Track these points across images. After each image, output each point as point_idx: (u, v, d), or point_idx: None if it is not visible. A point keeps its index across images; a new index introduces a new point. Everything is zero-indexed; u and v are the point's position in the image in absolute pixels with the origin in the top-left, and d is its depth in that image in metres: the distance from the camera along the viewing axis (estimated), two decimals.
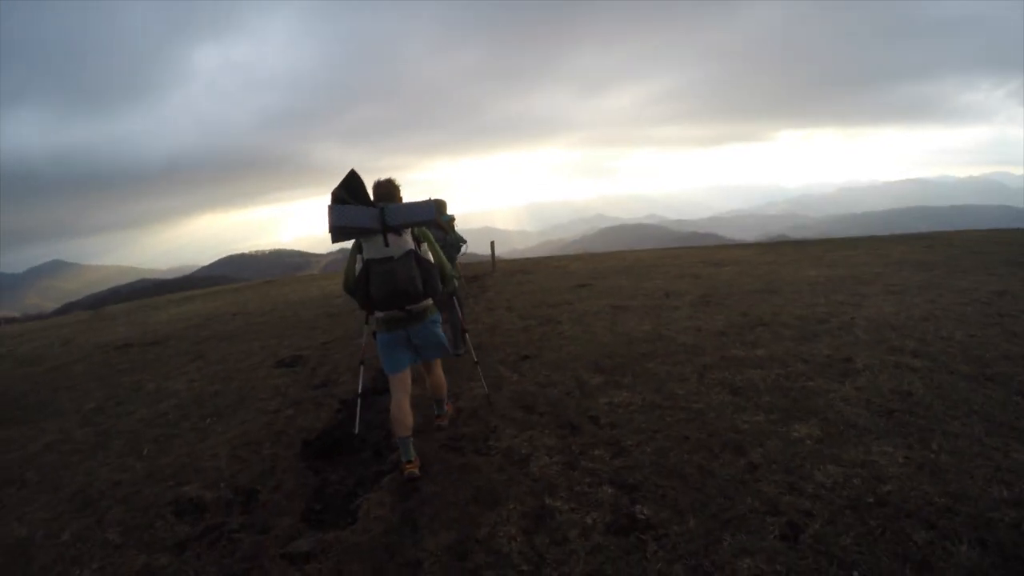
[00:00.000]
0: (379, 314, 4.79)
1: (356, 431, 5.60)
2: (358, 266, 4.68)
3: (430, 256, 4.77)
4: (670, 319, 9.08)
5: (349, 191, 4.51)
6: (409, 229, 4.58)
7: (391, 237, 4.48)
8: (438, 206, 7.64)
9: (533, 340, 8.65)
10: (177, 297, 24.24)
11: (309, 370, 8.53)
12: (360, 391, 5.77)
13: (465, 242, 8.46)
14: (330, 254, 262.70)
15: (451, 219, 8.27)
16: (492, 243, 18.76)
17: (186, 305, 20.72)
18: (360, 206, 4.44)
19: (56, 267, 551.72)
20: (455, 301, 7.68)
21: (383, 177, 4.89)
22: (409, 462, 4.64)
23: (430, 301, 4.83)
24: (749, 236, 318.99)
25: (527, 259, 23.91)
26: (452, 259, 8.06)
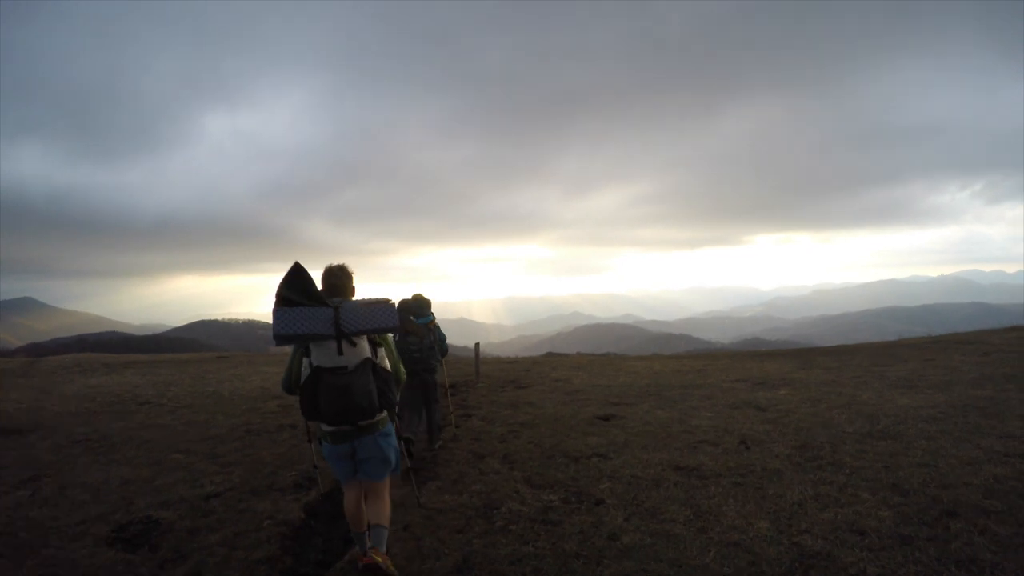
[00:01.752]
0: (325, 427, 4.28)
1: None
2: (305, 371, 4.15)
3: (387, 364, 4.36)
4: (789, 501, 5.64)
5: (296, 289, 3.94)
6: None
7: (345, 345, 4.01)
8: (421, 305, 8.17)
9: (567, 555, 4.83)
10: (114, 362, 21.16)
11: (155, 564, 5.01)
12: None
13: (445, 348, 8.57)
14: None
15: (431, 320, 8.27)
16: (477, 346, 15.26)
17: (113, 375, 17.52)
18: (310, 307, 3.92)
19: (27, 304, 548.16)
20: (430, 392, 8.27)
21: (335, 263, 4.40)
22: (364, 555, 4.35)
23: (384, 413, 4.35)
24: (725, 338, 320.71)
25: (514, 361, 20.46)
26: (431, 366, 8.28)
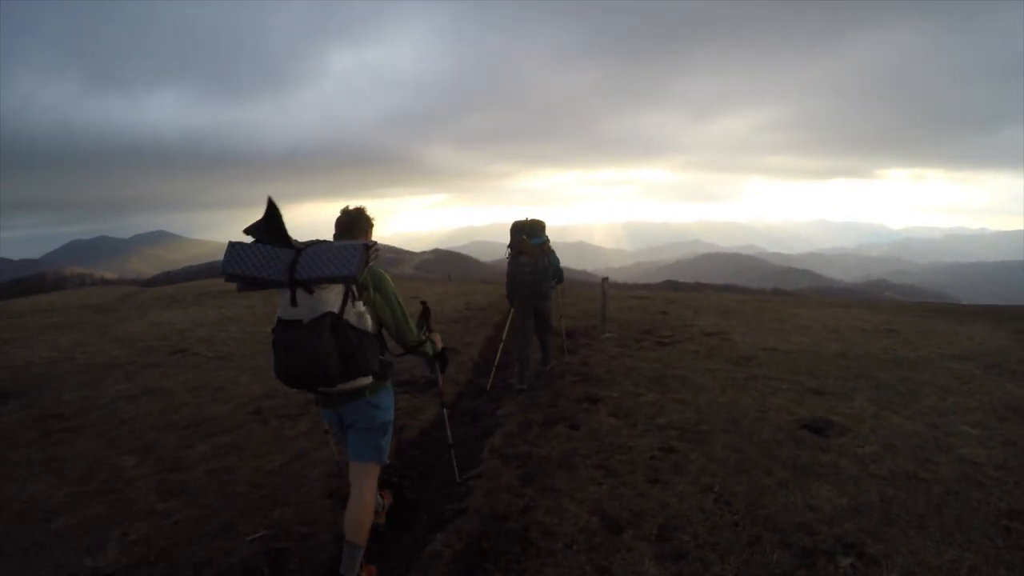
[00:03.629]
0: None
1: None
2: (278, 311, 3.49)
3: (367, 320, 3.48)
4: None
5: (263, 226, 3.32)
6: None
7: (301, 294, 3.30)
8: (535, 227, 7.90)
9: None
10: (215, 289, 20.72)
11: None
12: None
13: (559, 274, 8.10)
14: (423, 253, 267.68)
15: (545, 241, 7.89)
16: (604, 283, 11.61)
17: (192, 308, 17.09)
18: (267, 247, 3.29)
19: (160, 237, 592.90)
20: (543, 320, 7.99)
21: (352, 205, 3.86)
22: None
23: (366, 380, 3.56)
24: (848, 277, 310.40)
25: (644, 298, 17.22)
26: (544, 290, 7.81)
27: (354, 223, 3.82)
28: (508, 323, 8.98)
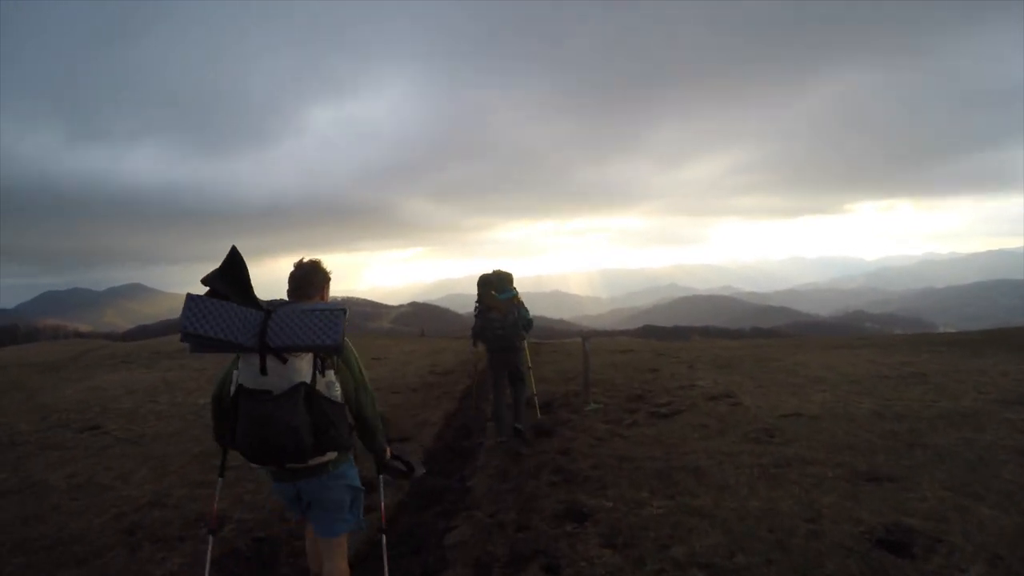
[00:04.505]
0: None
1: None
2: (233, 385, 3.18)
3: (336, 390, 3.25)
4: None
5: (228, 280, 3.03)
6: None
7: (272, 362, 3.02)
8: (503, 279, 7.86)
9: None
10: (170, 349, 19.51)
11: None
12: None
13: (529, 326, 7.88)
14: (400, 306, 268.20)
15: (514, 296, 7.77)
16: (585, 344, 9.76)
17: (138, 371, 15.78)
18: (231, 305, 3.01)
19: (135, 290, 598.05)
20: (514, 372, 7.80)
21: (307, 259, 3.59)
22: None
23: (332, 455, 3.31)
24: (825, 311, 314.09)
25: (628, 352, 15.57)
26: (515, 344, 7.70)
27: (309, 279, 3.54)
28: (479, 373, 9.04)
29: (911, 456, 5.89)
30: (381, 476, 3.97)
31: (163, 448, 8.21)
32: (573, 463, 6.45)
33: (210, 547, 3.72)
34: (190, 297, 3.00)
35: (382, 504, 4.06)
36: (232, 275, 3.05)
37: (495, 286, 7.80)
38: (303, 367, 3.10)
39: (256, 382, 3.06)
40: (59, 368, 16.92)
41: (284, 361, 3.03)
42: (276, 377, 3.05)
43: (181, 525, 5.55)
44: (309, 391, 3.11)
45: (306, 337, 2.98)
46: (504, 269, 8.03)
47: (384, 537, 4.03)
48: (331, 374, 3.25)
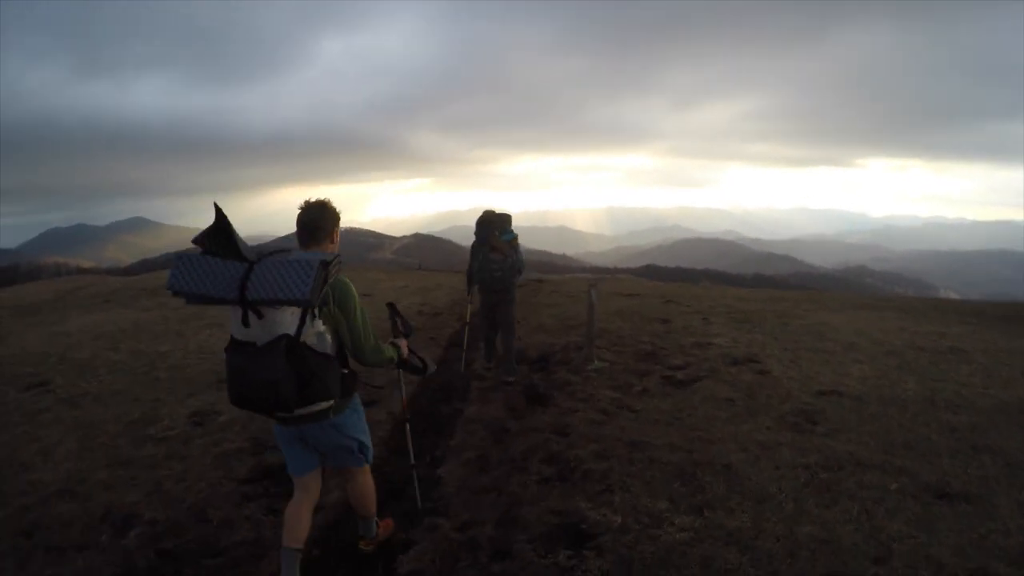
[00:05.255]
0: None
1: None
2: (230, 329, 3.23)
3: (327, 341, 3.24)
4: None
5: (215, 236, 3.05)
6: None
7: (253, 315, 3.04)
8: (502, 222, 7.73)
9: None
10: (160, 283, 17.68)
11: None
12: None
13: (522, 269, 7.75)
14: (403, 237, 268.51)
15: (514, 238, 7.70)
16: (590, 294, 8.37)
17: (121, 309, 14.89)
18: (216, 260, 3.03)
19: (138, 223, 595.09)
20: (505, 314, 7.71)
21: (314, 199, 3.49)
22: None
23: (328, 403, 3.30)
24: (829, 263, 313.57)
25: (635, 296, 14.59)
26: (510, 286, 7.68)
27: (317, 223, 3.45)
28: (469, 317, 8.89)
29: (979, 464, 4.82)
30: (399, 370, 4.08)
31: (100, 412, 7.05)
32: (571, 448, 5.21)
33: None
34: (177, 256, 3.06)
35: (403, 396, 4.60)
36: (219, 232, 3.04)
37: (497, 227, 7.64)
38: (286, 318, 3.08)
39: (240, 333, 3.11)
40: (37, 310, 15.85)
41: (260, 315, 3.03)
42: (258, 329, 3.06)
43: (83, 527, 4.38)
44: (291, 343, 3.07)
45: (278, 291, 2.94)
46: (497, 210, 7.95)
47: (408, 425, 4.54)
48: (319, 324, 3.20)
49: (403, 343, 3.89)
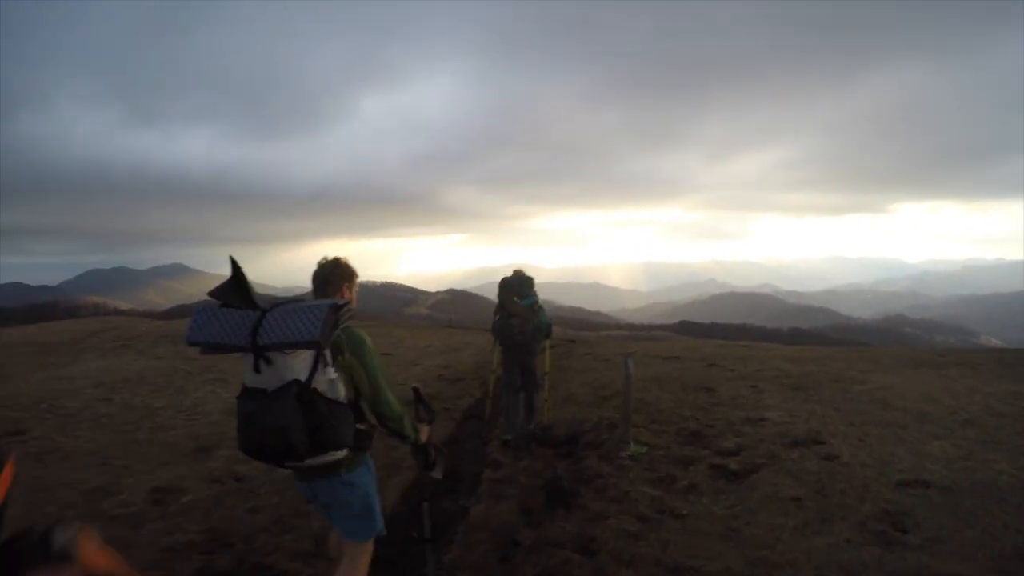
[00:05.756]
0: None
1: None
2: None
3: (340, 389, 3.16)
4: None
5: (231, 287, 3.14)
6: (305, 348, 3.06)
7: (263, 361, 3.04)
8: (524, 284, 7.64)
9: None
10: (182, 331, 17.08)
11: None
12: None
13: (548, 332, 7.94)
14: (438, 292, 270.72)
15: (535, 302, 7.66)
16: (627, 365, 7.06)
17: (127, 357, 14.46)
18: (235, 311, 3.11)
19: (178, 270, 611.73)
20: (528, 376, 7.65)
21: (330, 256, 3.71)
22: None
23: (340, 453, 3.19)
24: (866, 313, 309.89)
25: (670, 359, 13.52)
26: (533, 349, 7.75)
27: (326, 277, 3.62)
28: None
29: None
30: (421, 455, 3.82)
31: (63, 474, 6.35)
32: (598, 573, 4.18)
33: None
34: (195, 310, 3.16)
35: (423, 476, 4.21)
36: (234, 284, 3.11)
37: (516, 291, 7.56)
38: (296, 364, 3.05)
39: (252, 380, 3.11)
40: (52, 350, 15.50)
41: (268, 361, 3.03)
42: (269, 375, 3.06)
43: None
44: (302, 389, 3.04)
45: (288, 334, 2.98)
46: (525, 272, 7.81)
47: (426, 505, 4.13)
48: (331, 371, 3.15)
49: (425, 429, 3.74)
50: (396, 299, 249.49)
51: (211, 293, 3.16)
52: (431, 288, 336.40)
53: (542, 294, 8.04)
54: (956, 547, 4.34)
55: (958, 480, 5.50)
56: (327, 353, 3.14)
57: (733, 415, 8.07)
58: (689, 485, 5.66)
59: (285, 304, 3.13)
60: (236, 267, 3.10)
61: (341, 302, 3.18)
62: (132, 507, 5.48)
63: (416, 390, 3.89)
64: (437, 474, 3.89)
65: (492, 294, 8.20)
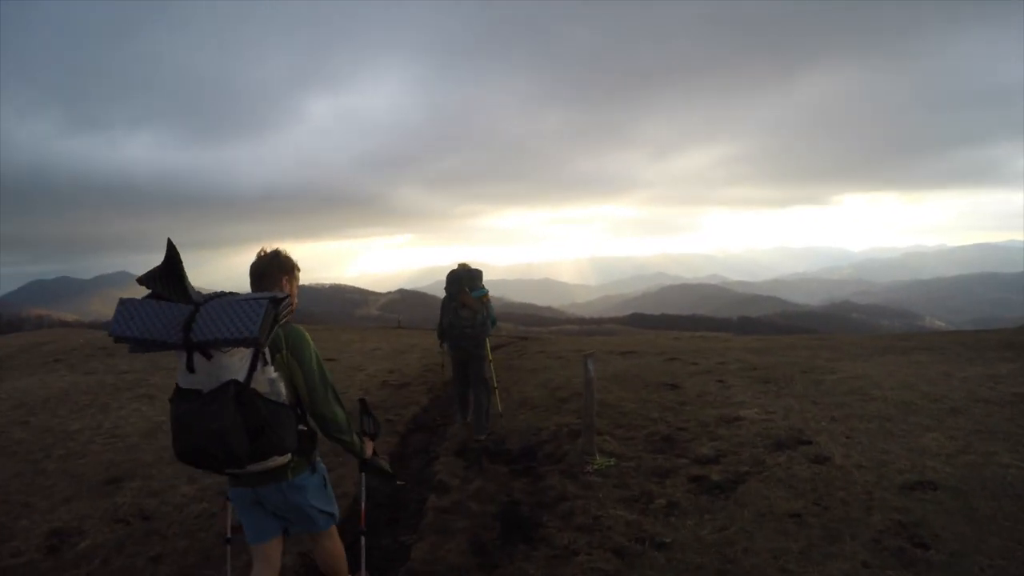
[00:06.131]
0: None
1: None
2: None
3: (280, 388, 2.97)
4: None
5: (163, 276, 2.87)
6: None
7: (199, 359, 2.82)
8: (472, 278, 7.50)
9: None
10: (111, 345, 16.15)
11: None
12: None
13: (495, 324, 7.74)
14: (389, 293, 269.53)
15: (484, 294, 7.49)
16: (586, 362, 6.48)
17: (53, 374, 13.23)
18: (165, 303, 2.84)
19: (123, 278, 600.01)
20: (475, 369, 7.49)
21: (269, 248, 3.36)
22: None
23: (283, 458, 3.03)
24: (813, 301, 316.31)
25: (628, 354, 12.94)
26: (481, 342, 7.51)
27: (264, 271, 3.27)
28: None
29: None
30: (363, 474, 3.67)
31: None
32: None
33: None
34: (120, 301, 2.85)
35: (363, 505, 3.84)
36: (169, 272, 2.85)
37: (467, 283, 7.44)
38: (234, 363, 2.84)
39: (185, 380, 2.89)
40: None
41: (208, 357, 2.82)
42: (204, 375, 2.85)
43: None
44: (240, 389, 2.83)
45: (225, 330, 2.71)
46: (471, 264, 7.69)
47: (363, 539, 3.77)
48: (270, 370, 2.95)
49: (369, 444, 3.53)
50: (346, 301, 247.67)
51: (140, 280, 2.87)
52: (381, 289, 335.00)
53: (493, 291, 7.72)
54: (984, 561, 3.70)
55: (965, 479, 4.89)
56: (266, 351, 2.93)
57: (704, 415, 7.36)
58: (669, 504, 4.86)
59: (220, 297, 2.87)
60: (172, 251, 2.80)
61: (280, 295, 2.90)
62: (22, 557, 4.63)
63: (363, 401, 3.66)
64: (385, 466, 3.67)
65: (442, 292, 7.69)
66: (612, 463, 5.89)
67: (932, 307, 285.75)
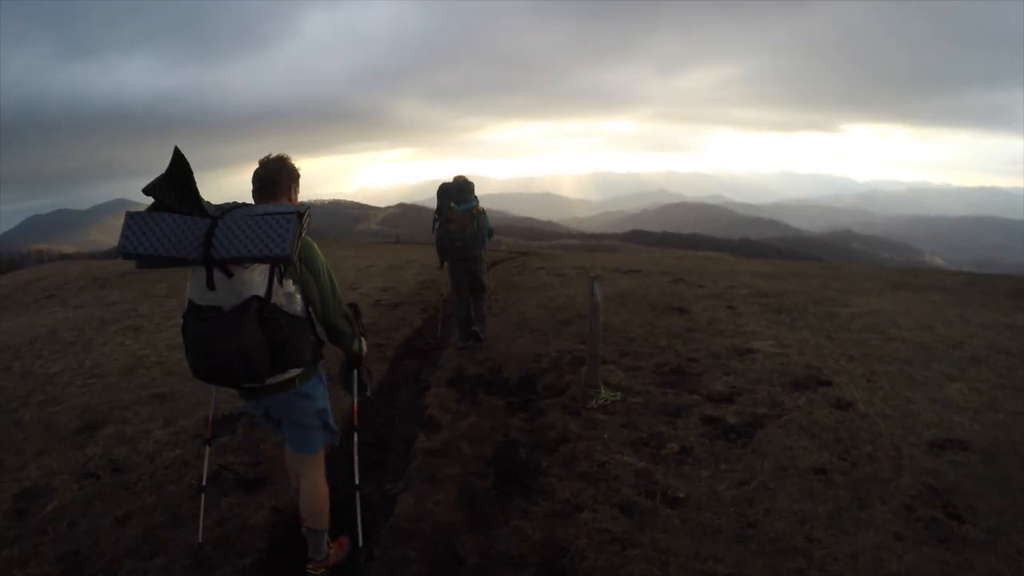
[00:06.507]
0: None
1: None
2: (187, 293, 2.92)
3: (297, 302, 2.95)
4: None
5: (171, 187, 2.72)
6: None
7: (219, 275, 2.72)
8: (462, 189, 7.31)
9: None
10: (114, 272, 17.03)
11: None
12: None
13: (491, 236, 7.64)
14: (388, 208, 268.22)
15: (475, 206, 7.33)
16: (592, 284, 5.92)
17: (44, 311, 12.62)
18: (173, 216, 2.70)
19: (121, 205, 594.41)
20: (473, 282, 7.49)
21: (273, 155, 3.18)
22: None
23: (295, 371, 3.03)
24: (814, 227, 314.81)
25: (632, 273, 12.76)
26: (474, 254, 7.43)
27: (272, 177, 3.12)
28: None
29: None
30: (355, 372, 3.63)
31: None
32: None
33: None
34: (128, 215, 2.71)
35: (355, 402, 3.75)
36: (176, 181, 2.70)
37: (454, 196, 7.30)
38: (255, 279, 2.78)
39: (204, 298, 2.80)
40: None
41: (229, 275, 2.73)
42: (224, 291, 2.76)
43: None
44: (262, 305, 2.78)
45: (252, 247, 2.64)
46: (466, 176, 7.51)
47: (356, 435, 3.72)
48: (289, 284, 2.92)
49: (364, 342, 3.57)
50: (345, 216, 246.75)
51: (145, 189, 2.71)
52: (381, 203, 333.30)
53: (493, 205, 7.14)
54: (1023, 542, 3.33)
55: (995, 440, 4.52)
56: (282, 264, 2.85)
57: (716, 344, 6.99)
58: (682, 450, 4.48)
59: (236, 209, 2.77)
60: (179, 158, 2.63)
61: (303, 208, 2.79)
62: None
63: (353, 306, 3.54)
64: (369, 393, 3.75)
65: None
66: (618, 397, 5.51)
67: (933, 245, 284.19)
